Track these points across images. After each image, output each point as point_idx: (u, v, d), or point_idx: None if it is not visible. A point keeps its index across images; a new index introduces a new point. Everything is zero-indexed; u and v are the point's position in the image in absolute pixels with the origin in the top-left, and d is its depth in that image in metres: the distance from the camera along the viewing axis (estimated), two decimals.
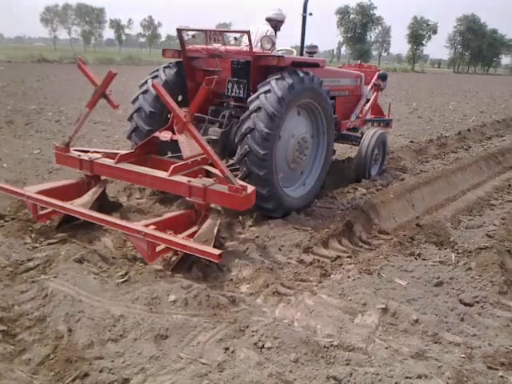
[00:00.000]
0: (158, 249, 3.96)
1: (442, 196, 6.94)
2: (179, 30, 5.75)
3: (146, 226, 4.02)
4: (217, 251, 3.72)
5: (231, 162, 5.47)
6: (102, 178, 5.23)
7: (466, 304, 3.67)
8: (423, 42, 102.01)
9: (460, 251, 4.61)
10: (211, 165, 4.79)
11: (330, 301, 3.70)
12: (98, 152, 5.36)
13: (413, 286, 3.93)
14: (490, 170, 8.79)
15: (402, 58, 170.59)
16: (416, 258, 4.47)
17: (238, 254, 4.40)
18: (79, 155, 5.15)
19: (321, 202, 5.87)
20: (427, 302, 3.65)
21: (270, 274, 4.05)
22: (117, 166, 4.95)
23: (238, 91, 5.74)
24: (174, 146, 5.21)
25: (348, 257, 4.53)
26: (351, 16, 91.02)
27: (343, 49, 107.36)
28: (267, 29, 6.51)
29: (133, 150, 5.33)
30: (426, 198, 6.64)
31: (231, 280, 3.98)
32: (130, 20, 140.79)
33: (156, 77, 6.00)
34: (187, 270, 4.08)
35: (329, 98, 5.78)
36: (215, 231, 4.28)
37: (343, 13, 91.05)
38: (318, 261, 4.38)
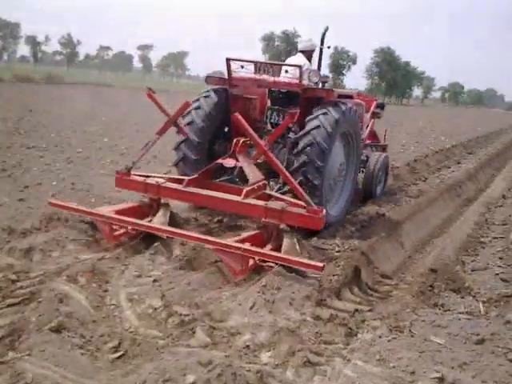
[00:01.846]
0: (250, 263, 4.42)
1: (422, 231, 6.67)
2: (228, 60, 6.18)
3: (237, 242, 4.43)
4: (320, 263, 4.11)
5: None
6: (163, 201, 5.48)
7: None
8: (343, 71, 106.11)
9: (484, 299, 4.22)
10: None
11: (371, 369, 3.13)
12: (159, 177, 5.67)
13: (453, 344, 3.45)
14: (453, 203, 8.71)
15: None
16: (440, 309, 4.03)
17: (244, 310, 3.75)
18: (144, 179, 5.46)
19: (313, 241, 5.35)
20: (481, 366, 3.17)
21: (292, 337, 3.43)
22: (185, 189, 5.32)
23: (277, 118, 6.33)
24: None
25: (369, 310, 3.99)
26: (276, 43, 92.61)
27: None
28: (304, 62, 6.71)
29: (197, 176, 5.65)
30: (410, 235, 6.33)
31: (247, 347, 3.31)
32: (47, 36, 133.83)
33: (199, 107, 6.27)
34: (190, 335, 3.38)
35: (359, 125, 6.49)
36: (298, 248, 4.66)
37: (268, 39, 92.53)
38: (337, 316, 3.82)
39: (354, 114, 6.12)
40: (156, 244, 4.87)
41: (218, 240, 4.56)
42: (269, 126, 6.40)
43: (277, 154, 5.92)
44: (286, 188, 5.78)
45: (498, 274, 4.84)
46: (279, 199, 5.14)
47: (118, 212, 5.11)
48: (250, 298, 3.93)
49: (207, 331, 3.44)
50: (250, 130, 4.86)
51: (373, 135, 8.92)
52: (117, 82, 60.19)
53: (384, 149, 8.90)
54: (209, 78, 6.55)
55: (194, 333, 3.43)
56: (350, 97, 6.63)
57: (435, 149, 16.64)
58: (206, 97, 6.35)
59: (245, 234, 4.92)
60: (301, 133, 5.65)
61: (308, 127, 5.57)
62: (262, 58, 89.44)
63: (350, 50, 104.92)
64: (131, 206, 5.54)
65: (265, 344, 3.35)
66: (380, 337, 3.50)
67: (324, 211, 4.79)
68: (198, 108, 6.26)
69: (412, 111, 62.32)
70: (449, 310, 4.03)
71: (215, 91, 6.40)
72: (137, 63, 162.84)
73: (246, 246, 4.37)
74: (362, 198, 7.67)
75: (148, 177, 5.61)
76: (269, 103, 6.58)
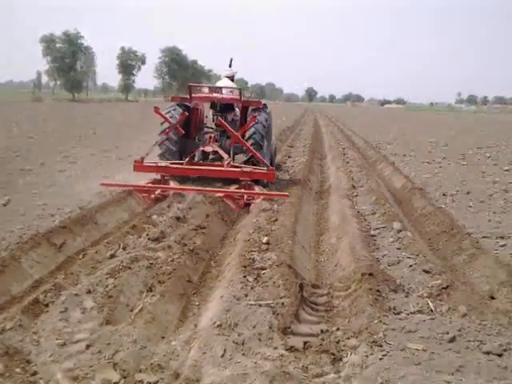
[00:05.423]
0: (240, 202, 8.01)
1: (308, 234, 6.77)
2: (190, 86, 9.76)
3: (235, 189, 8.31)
4: (286, 193, 7.91)
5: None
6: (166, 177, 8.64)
7: (499, 355, 3.38)
8: (133, 72, 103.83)
9: (425, 295, 4.36)
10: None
11: None
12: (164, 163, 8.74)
13: (431, 348, 3.45)
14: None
15: (108, 87, 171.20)
16: (393, 313, 4.03)
17: (216, 360, 3.25)
18: (156, 164, 8.57)
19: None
20: (472, 366, 3.22)
21: (289, 380, 3.05)
22: (187, 167, 8.63)
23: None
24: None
25: (337, 329, 3.79)
26: (57, 45, 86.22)
27: (45, 79, 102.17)
28: (233, 84, 10.35)
29: (188, 159, 8.88)
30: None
31: None
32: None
33: (171, 116, 9.12)
34: None
35: None
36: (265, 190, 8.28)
37: (48, 41, 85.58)
38: (310, 343, 3.56)
39: (270, 114, 9.65)
40: (63, 298, 3.98)
41: (222, 189, 8.11)
42: (213, 125, 10.02)
43: (225, 141, 9.44)
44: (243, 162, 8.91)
45: (412, 266, 5.06)
46: (244, 167, 8.52)
47: (153, 182, 8.45)
48: (213, 344, 3.42)
49: None
50: (229, 127, 8.85)
51: None
52: None
53: None
54: (173, 98, 10.07)
55: None
56: (265, 104, 9.67)
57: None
58: (174, 109, 9.32)
59: (232, 187, 8.38)
60: (249, 123, 8.77)
61: (253, 122, 8.72)
62: (42, 60, 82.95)
63: (137, 50, 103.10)
64: (151, 181, 8.51)
65: None
66: (367, 356, 3.34)
67: (274, 169, 8.80)
68: (171, 116, 9.07)
69: None
70: (401, 311, 4.05)
71: (178, 105, 9.47)
72: None
73: (242, 190, 8.19)
74: None
75: (155, 163, 8.59)
76: (211, 112, 10.19)
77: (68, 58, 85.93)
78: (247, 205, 7.98)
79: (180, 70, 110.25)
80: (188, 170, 8.55)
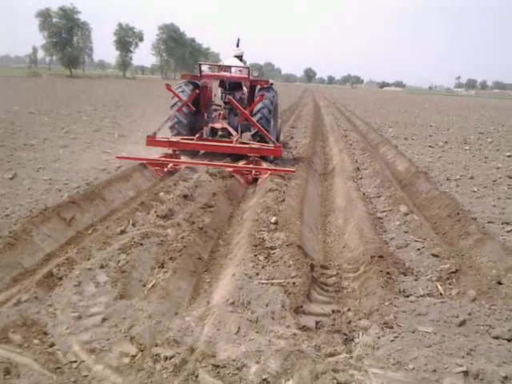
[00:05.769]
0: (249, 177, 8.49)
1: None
2: (200, 64, 10.04)
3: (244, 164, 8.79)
4: (293, 168, 8.44)
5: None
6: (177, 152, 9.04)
7: (508, 340, 3.44)
8: (131, 49, 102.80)
9: (434, 278, 4.40)
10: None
11: (394, 376, 2.99)
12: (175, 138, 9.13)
13: (441, 331, 3.50)
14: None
15: (104, 64, 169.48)
16: (403, 295, 4.07)
17: (230, 337, 3.29)
18: (168, 139, 8.92)
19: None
20: (482, 350, 3.27)
21: (304, 358, 3.09)
22: (197, 142, 9.02)
23: (227, 97, 9.93)
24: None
25: (348, 310, 3.84)
26: (54, 20, 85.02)
27: (41, 54, 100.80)
28: (241, 63, 10.71)
29: (198, 135, 9.32)
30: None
31: (266, 381, 2.89)
32: None
33: (183, 91, 9.63)
34: (195, 382, 2.85)
35: None
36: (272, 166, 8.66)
37: (45, 16, 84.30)
38: (322, 322, 3.61)
39: (276, 93, 10.01)
40: (77, 273, 4.00)
41: (232, 164, 8.66)
42: (221, 102, 10.48)
43: (233, 118, 10.02)
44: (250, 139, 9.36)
45: (419, 249, 5.10)
46: (252, 144, 8.98)
47: (165, 156, 8.89)
48: (226, 321, 3.46)
49: (211, 372, 2.92)
50: (238, 105, 9.20)
51: None
52: None
53: None
54: (184, 76, 10.45)
55: (197, 377, 2.88)
56: (272, 83, 10.01)
57: None
58: (185, 85, 9.79)
59: (241, 163, 8.85)
60: (257, 101, 9.09)
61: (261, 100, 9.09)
62: (38, 35, 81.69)
63: (135, 26, 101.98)
64: (163, 155, 8.99)
65: (281, 373, 2.97)
66: (378, 338, 3.38)
67: (282, 146, 9.15)
68: (182, 91, 9.58)
69: None
70: (411, 294, 4.10)
71: (189, 82, 9.92)
72: None
73: (250, 166, 8.60)
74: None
75: (167, 138, 8.95)
76: (219, 90, 10.53)
77: (65, 33, 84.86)
78: (255, 180, 8.44)
79: (177, 47, 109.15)
80: (199, 145, 9.01)
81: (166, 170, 8.52)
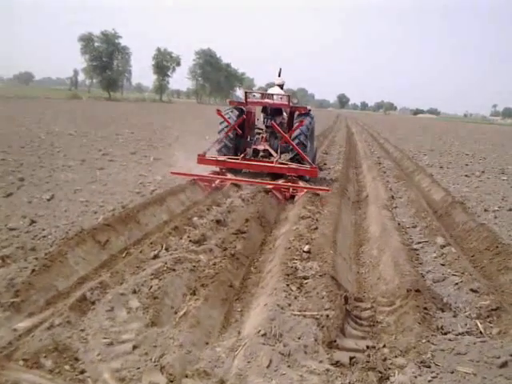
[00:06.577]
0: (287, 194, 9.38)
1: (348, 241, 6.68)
2: (246, 92, 11.12)
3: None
4: (327, 187, 9.20)
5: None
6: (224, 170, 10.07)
7: None
8: (168, 73, 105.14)
9: (474, 315, 4.24)
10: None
11: None
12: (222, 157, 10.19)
13: (481, 372, 3.35)
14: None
15: (142, 87, 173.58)
16: (441, 333, 3.93)
17: (261, 370, 3.21)
18: (216, 158, 10.06)
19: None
20: None
21: None
22: (242, 161, 10.05)
23: (269, 122, 10.95)
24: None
25: (383, 346, 3.72)
26: (96, 44, 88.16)
27: (81, 76, 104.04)
28: (282, 91, 11.63)
29: (242, 155, 10.40)
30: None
31: None
32: None
33: (229, 117, 10.68)
34: None
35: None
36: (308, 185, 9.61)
37: (87, 40, 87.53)
38: (356, 359, 3.49)
39: (313, 119, 10.97)
40: (110, 297, 4.01)
41: (272, 182, 9.60)
42: (263, 126, 11.44)
43: (273, 141, 11.04)
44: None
45: (457, 284, 4.93)
46: (291, 164, 9.90)
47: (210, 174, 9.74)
48: (258, 353, 3.39)
49: None
50: (280, 130, 10.28)
51: None
52: None
53: None
54: (231, 102, 11.38)
55: None
56: (310, 110, 11.04)
57: None
58: (231, 111, 10.87)
59: (279, 181, 9.72)
60: (296, 127, 10.23)
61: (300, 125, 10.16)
62: (80, 58, 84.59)
63: (173, 51, 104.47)
64: (211, 172, 9.85)
65: None
66: (415, 377, 3.26)
67: (317, 167, 10.34)
68: (229, 117, 10.61)
69: None
70: (449, 332, 3.95)
71: (235, 108, 10.98)
72: None
73: (289, 184, 9.47)
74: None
75: (215, 157, 10.03)
76: (262, 115, 11.62)
77: (105, 57, 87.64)
78: (292, 197, 9.34)
79: (213, 72, 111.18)
80: (243, 164, 10.08)
81: (213, 185, 9.51)
